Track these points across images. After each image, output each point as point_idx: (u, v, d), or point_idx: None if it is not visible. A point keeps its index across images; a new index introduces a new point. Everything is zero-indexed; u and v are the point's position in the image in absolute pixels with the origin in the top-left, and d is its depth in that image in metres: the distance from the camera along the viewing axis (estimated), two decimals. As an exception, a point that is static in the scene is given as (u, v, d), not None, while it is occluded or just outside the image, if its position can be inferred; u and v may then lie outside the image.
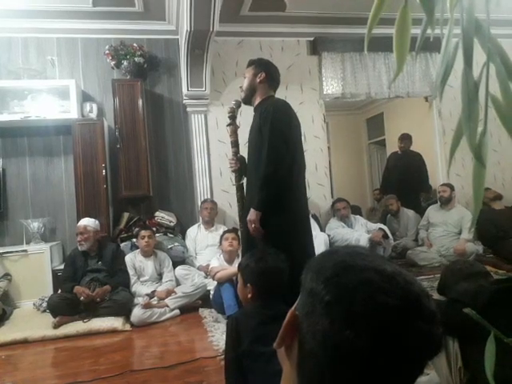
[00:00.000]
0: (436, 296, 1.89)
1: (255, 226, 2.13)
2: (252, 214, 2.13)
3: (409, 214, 5.06)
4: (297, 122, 2.31)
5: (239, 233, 3.07)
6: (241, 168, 2.48)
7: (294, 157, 2.19)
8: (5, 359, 2.71)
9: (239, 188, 2.45)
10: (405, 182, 5.40)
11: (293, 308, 0.58)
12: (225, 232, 3.58)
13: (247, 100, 2.42)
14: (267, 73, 2.34)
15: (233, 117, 2.48)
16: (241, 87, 2.43)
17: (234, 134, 2.48)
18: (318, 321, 0.51)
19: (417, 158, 5.64)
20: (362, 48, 4.82)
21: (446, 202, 4.61)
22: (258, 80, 2.33)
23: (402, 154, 5.76)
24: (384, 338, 0.48)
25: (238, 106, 2.50)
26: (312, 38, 4.87)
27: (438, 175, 5.30)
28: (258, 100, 2.35)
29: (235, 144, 2.50)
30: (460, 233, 4.48)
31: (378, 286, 0.50)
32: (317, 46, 4.84)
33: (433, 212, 4.75)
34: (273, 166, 2.09)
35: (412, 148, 5.75)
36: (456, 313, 1.38)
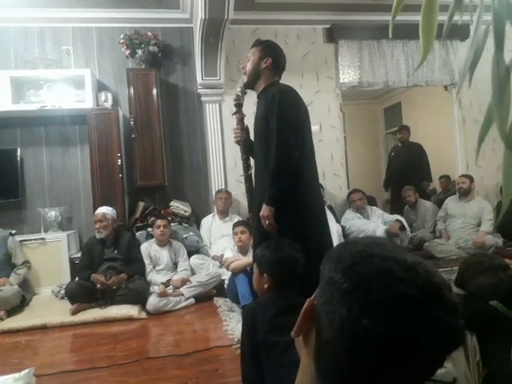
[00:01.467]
0: (454, 289, 1.86)
1: (269, 222, 2.05)
2: (265, 210, 2.05)
3: (427, 205, 4.99)
4: (304, 106, 2.20)
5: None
6: (245, 141, 2.36)
7: (303, 145, 2.10)
8: (25, 344, 2.78)
9: (247, 179, 2.36)
10: (406, 173, 5.41)
11: (311, 297, 0.58)
12: (234, 226, 3.58)
13: (250, 85, 2.28)
14: (274, 58, 2.20)
15: (239, 104, 2.35)
16: (243, 68, 2.29)
17: (241, 122, 2.37)
18: (336, 309, 0.51)
19: (417, 148, 5.62)
20: (379, 35, 4.73)
21: (465, 194, 4.52)
22: (264, 66, 2.19)
23: (402, 146, 5.78)
24: (402, 327, 0.47)
25: (244, 92, 2.37)
26: (328, 26, 4.78)
27: (457, 166, 5.19)
28: (261, 86, 2.22)
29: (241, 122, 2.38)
30: (479, 225, 4.40)
31: (396, 275, 0.49)
32: (333, 34, 4.75)
33: (451, 203, 4.66)
34: (282, 158, 2.00)
35: (431, 138, 5.67)
36: (474, 306, 1.35)
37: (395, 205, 5.58)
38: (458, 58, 4.97)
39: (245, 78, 2.29)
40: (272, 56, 2.20)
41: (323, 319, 0.53)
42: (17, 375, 1.15)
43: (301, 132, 2.09)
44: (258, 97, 2.26)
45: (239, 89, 2.36)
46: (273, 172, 2.02)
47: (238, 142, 2.39)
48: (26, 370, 1.19)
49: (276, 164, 2.00)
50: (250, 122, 2.36)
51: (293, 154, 2.02)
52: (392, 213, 4.91)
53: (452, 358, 1.61)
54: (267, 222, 2.05)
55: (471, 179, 4.52)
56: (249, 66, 2.24)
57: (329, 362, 0.53)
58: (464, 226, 4.45)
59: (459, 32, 4.64)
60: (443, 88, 5.25)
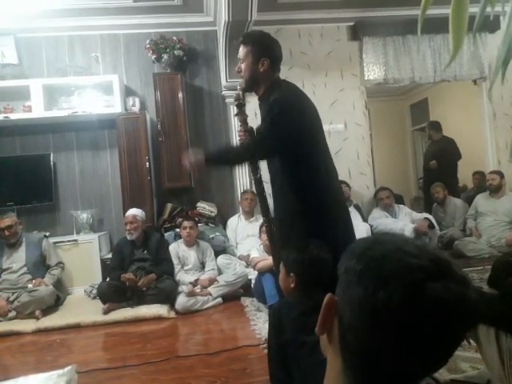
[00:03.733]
0: (487, 289, 1.81)
1: (192, 166, 1.96)
2: (196, 162, 1.92)
3: (456, 202, 4.86)
4: (310, 106, 1.98)
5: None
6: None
7: (318, 147, 1.94)
8: (60, 342, 2.88)
9: (257, 182, 2.22)
10: (431, 170, 5.35)
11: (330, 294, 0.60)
12: (261, 225, 3.58)
13: (249, 91, 2.10)
14: (270, 57, 1.95)
15: (240, 105, 2.15)
16: (240, 73, 2.08)
17: (245, 123, 2.19)
18: (353, 291, 0.53)
19: (446, 143, 5.47)
20: (404, 31, 4.65)
21: (496, 190, 4.39)
22: (262, 69, 1.95)
23: (430, 143, 5.70)
24: (416, 296, 0.49)
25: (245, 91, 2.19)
26: (352, 23, 4.73)
27: (488, 162, 5.04)
28: (262, 89, 2.02)
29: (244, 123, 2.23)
30: (512, 222, 4.27)
31: (407, 251, 0.52)
32: (357, 31, 4.70)
33: (482, 200, 4.53)
34: (254, 152, 2.00)
35: (460, 134, 5.54)
36: (508, 307, 1.31)
37: (427, 202, 5.48)
38: (488, 51, 4.82)
39: (243, 85, 2.08)
40: (268, 55, 1.95)
41: (344, 307, 0.55)
42: (60, 372, 1.19)
43: (315, 143, 1.94)
44: (260, 99, 2.08)
45: (239, 87, 2.14)
46: (247, 146, 2.03)
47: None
48: (69, 367, 1.23)
49: (253, 147, 2.01)
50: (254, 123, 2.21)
51: (266, 155, 2.03)
52: (425, 210, 4.83)
53: (486, 360, 1.57)
54: (188, 166, 1.96)
55: (501, 175, 4.39)
56: (244, 71, 2.02)
57: (353, 347, 0.54)
58: (496, 223, 4.31)
59: (488, 23, 4.50)
60: (472, 82, 5.11)
